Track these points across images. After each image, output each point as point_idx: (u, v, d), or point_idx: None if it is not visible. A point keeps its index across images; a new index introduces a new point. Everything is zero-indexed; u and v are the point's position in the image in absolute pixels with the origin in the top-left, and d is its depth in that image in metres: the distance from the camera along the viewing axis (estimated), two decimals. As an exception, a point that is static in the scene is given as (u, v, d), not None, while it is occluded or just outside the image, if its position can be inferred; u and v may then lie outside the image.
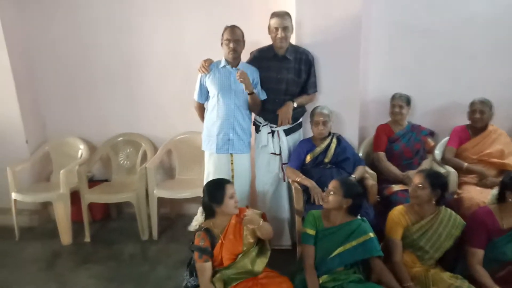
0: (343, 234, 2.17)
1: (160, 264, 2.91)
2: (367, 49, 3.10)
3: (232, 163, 2.77)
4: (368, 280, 2.21)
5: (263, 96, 2.82)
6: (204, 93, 2.81)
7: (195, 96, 2.84)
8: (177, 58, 3.40)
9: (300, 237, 2.31)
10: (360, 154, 3.10)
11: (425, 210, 2.25)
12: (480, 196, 2.64)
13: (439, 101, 3.22)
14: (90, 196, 3.25)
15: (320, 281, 2.12)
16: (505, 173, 2.77)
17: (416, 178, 2.25)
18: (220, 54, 2.76)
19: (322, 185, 2.65)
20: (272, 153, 2.89)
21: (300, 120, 2.97)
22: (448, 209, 2.26)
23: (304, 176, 2.73)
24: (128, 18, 3.42)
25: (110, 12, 3.42)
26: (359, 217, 2.27)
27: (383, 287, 2.08)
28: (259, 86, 2.79)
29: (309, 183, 2.66)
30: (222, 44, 2.70)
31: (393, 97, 2.99)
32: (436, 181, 2.22)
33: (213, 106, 2.75)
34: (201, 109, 2.89)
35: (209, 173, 2.81)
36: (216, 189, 2.17)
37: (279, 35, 2.65)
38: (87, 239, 3.28)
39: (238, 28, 2.68)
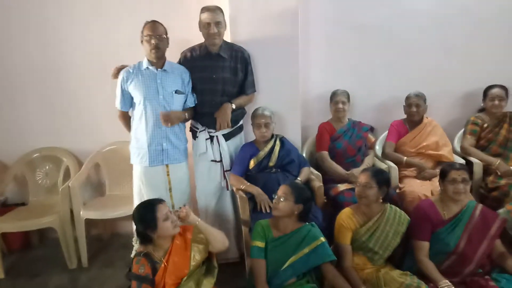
0: (294, 242, 2.06)
1: (93, 294, 2.57)
2: (306, 46, 3.02)
3: (168, 175, 2.52)
4: (322, 287, 2.12)
5: (191, 101, 2.60)
6: (128, 100, 2.51)
7: (117, 104, 2.53)
8: (102, 61, 2.99)
9: (249, 251, 2.14)
10: (304, 155, 3.01)
11: (372, 209, 2.21)
12: (421, 188, 2.69)
13: (377, 96, 3.25)
14: (2, 225, 2.77)
15: None
16: (442, 165, 2.89)
17: (361, 177, 2.20)
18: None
19: (268, 191, 2.51)
20: (213, 161, 2.69)
21: (241, 123, 2.80)
22: (393, 206, 2.25)
23: (248, 183, 2.57)
24: (44, 16, 2.99)
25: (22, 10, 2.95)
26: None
27: None
28: (189, 89, 2.57)
29: (255, 190, 2.51)
30: (142, 41, 2.42)
31: (335, 94, 2.94)
32: (382, 179, 2.20)
33: (140, 114, 2.46)
34: (126, 118, 2.59)
35: (141, 190, 2.53)
36: (146, 214, 1.91)
37: (211, 31, 2.45)
38: (1, 275, 2.80)
39: (160, 23, 2.42)
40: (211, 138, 2.66)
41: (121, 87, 2.47)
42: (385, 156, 3.02)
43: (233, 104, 2.60)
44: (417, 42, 3.16)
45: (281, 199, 2.08)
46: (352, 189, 2.71)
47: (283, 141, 2.72)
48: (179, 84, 2.50)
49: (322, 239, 2.08)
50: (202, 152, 2.68)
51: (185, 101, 2.57)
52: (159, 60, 2.44)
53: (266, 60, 2.74)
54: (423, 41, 3.17)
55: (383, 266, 2.22)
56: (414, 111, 2.93)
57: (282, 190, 2.11)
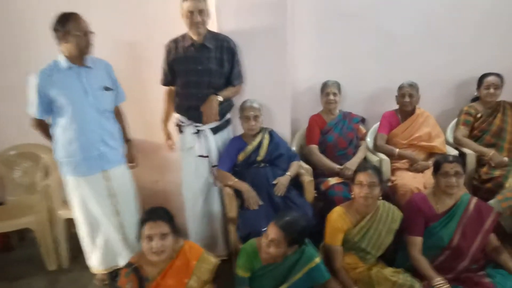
0: (286, 267, 1.93)
1: (74, 297, 2.46)
2: (295, 36, 2.89)
3: (109, 180, 2.30)
4: None
5: (122, 96, 2.43)
6: (47, 106, 2.17)
7: (33, 112, 2.19)
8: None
9: (236, 250, 2.03)
10: (294, 148, 2.91)
11: (370, 207, 2.12)
12: (413, 181, 2.63)
13: (369, 87, 3.15)
14: (-23, 227, 2.63)
15: None
16: (436, 156, 2.82)
17: (364, 177, 2.07)
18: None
19: (257, 186, 2.44)
20: (200, 156, 2.56)
21: (228, 116, 2.68)
22: (386, 203, 2.18)
23: (236, 179, 2.46)
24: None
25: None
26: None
27: None
28: (117, 83, 2.39)
29: (243, 186, 2.41)
30: (60, 39, 2.11)
31: (326, 85, 2.83)
32: (380, 175, 2.13)
33: (67, 120, 2.17)
34: (44, 126, 2.27)
35: (84, 201, 2.33)
36: (140, 223, 1.79)
37: (195, 20, 2.31)
38: (-22, 279, 2.67)
39: (79, 15, 2.13)
40: (198, 132, 2.54)
41: (38, 92, 2.13)
42: (376, 148, 2.94)
43: (219, 97, 2.48)
44: (409, 31, 3.05)
45: (272, 245, 1.84)
46: (343, 183, 2.63)
47: (272, 134, 2.61)
48: (106, 79, 2.28)
49: (317, 260, 1.92)
50: (189, 147, 2.56)
51: (115, 97, 2.37)
52: (82, 56, 2.16)
53: (253, 51, 2.60)
54: (415, 31, 3.06)
55: (374, 264, 2.16)
56: (407, 101, 2.85)
57: (273, 233, 1.83)
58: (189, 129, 2.54)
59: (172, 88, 2.58)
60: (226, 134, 2.67)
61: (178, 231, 1.85)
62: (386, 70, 3.09)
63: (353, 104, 3.04)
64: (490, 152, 2.77)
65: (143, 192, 2.64)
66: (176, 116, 2.61)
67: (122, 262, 2.40)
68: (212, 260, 1.86)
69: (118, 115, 2.47)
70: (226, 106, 2.59)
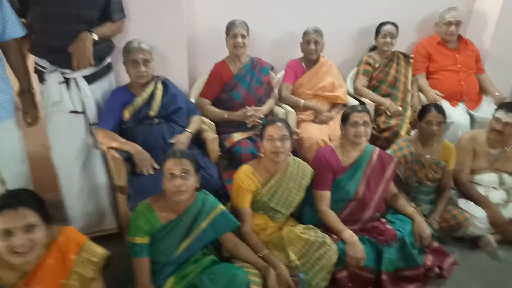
0: (189, 220, 1.68)
1: None
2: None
3: None
4: (221, 255, 1.85)
5: (16, 29, 1.82)
6: None
7: None
8: None
9: (127, 223, 1.68)
10: (193, 101, 2.53)
11: (280, 164, 1.96)
12: (319, 133, 2.57)
13: (273, 32, 2.87)
14: None
15: None
16: (338, 107, 2.78)
17: (275, 130, 1.88)
18: None
19: (151, 147, 2.06)
20: (72, 112, 2.03)
21: (108, 60, 2.16)
22: (296, 159, 2.07)
23: (124, 140, 2.04)
24: None
25: None
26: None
27: (242, 264, 1.76)
28: (7, 9, 1.77)
29: (132, 148, 2.01)
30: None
31: (233, 25, 2.45)
32: (289, 128, 1.96)
33: None
34: None
35: None
36: None
37: None
38: None
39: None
40: (67, 81, 2.00)
41: None
42: (282, 99, 2.75)
43: (94, 34, 1.95)
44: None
45: (185, 179, 1.60)
46: (250, 138, 2.41)
47: (166, 84, 2.20)
48: None
49: (221, 207, 1.74)
50: (56, 101, 2.00)
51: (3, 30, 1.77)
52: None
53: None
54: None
55: (285, 222, 2.06)
56: (313, 48, 2.68)
57: (181, 166, 1.60)
58: (54, 77, 1.97)
59: (23, 20, 1.93)
60: (107, 84, 2.18)
61: (50, 219, 1.39)
62: (290, 14, 2.84)
63: (257, 51, 2.73)
64: (387, 101, 2.83)
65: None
66: (33, 59, 2.00)
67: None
68: (99, 252, 1.46)
69: (12, 54, 1.84)
70: (104, 48, 2.08)
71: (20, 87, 1.94)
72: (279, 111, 2.65)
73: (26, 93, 1.95)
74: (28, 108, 1.97)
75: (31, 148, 2.11)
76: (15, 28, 1.80)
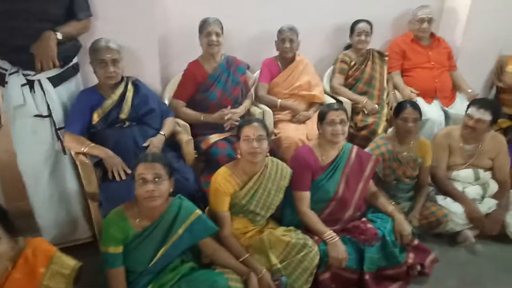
0: (165, 227, 1.61)
1: None
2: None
3: None
4: (200, 261, 1.78)
5: None
6: None
7: None
8: None
9: (100, 230, 1.59)
10: (166, 102, 2.43)
11: (258, 165, 1.91)
12: (297, 133, 2.54)
13: (247, 31, 2.81)
14: None
15: None
16: (315, 106, 2.75)
17: (251, 130, 1.83)
18: None
19: (123, 151, 1.98)
20: (37, 116, 1.92)
21: (75, 60, 2.06)
22: (274, 159, 2.02)
23: (92, 144, 1.94)
24: None
25: None
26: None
27: (220, 270, 1.69)
28: None
29: (102, 152, 1.92)
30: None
31: (206, 23, 2.36)
32: (266, 128, 1.91)
33: None
34: None
35: None
36: None
37: None
38: None
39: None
40: (30, 83, 1.88)
41: None
42: (258, 99, 2.70)
43: (58, 33, 1.85)
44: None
45: (158, 183, 1.54)
46: (226, 140, 2.35)
47: (137, 84, 2.11)
48: None
49: (198, 211, 1.68)
50: (18, 104, 1.88)
51: None
52: None
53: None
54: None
55: (265, 225, 2.02)
56: (288, 47, 2.64)
57: (153, 170, 1.55)
58: (16, 80, 1.85)
59: None
60: (73, 86, 2.08)
61: (14, 230, 1.30)
62: (264, 12, 2.79)
63: (231, 50, 2.67)
64: (364, 99, 2.83)
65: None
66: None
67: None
68: (69, 263, 1.39)
69: None
70: (70, 47, 1.98)
71: None
72: (256, 111, 2.59)
73: None
74: None
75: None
76: None
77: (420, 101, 2.81)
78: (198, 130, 2.38)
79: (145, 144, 2.01)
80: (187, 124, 2.32)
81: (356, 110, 2.85)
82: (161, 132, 2.09)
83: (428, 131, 2.79)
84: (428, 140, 2.42)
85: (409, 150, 2.33)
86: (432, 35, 3.10)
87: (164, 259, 1.60)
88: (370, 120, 2.76)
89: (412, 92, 2.93)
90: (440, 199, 2.35)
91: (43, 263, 1.33)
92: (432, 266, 2.08)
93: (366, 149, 2.31)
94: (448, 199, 2.33)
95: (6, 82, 1.86)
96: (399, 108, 2.32)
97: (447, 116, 2.95)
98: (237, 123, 2.34)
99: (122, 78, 2.05)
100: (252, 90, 2.69)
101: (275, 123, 2.66)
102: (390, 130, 2.67)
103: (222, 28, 2.40)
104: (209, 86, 2.43)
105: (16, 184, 2.05)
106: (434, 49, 3.07)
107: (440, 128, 2.74)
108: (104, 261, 1.54)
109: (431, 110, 2.88)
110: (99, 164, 1.93)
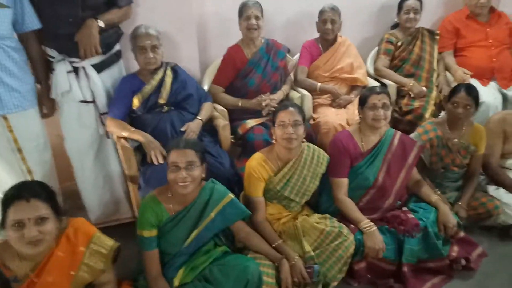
0: (197, 210, 1.64)
1: None
2: None
3: (11, 131, 1.82)
4: (234, 246, 1.81)
5: (32, 20, 1.84)
6: None
7: None
8: None
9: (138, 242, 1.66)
10: (205, 87, 2.45)
11: (293, 151, 1.88)
12: (336, 118, 2.46)
13: (286, 12, 2.73)
14: None
15: (177, 283, 1.59)
16: (358, 89, 2.64)
17: (287, 115, 1.80)
18: None
19: (161, 135, 2.02)
20: (82, 101, 2.01)
21: (117, 47, 2.12)
22: (311, 145, 1.97)
23: (133, 128, 2.00)
24: None
25: None
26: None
27: (253, 255, 1.71)
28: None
29: (142, 137, 1.97)
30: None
31: (245, 6, 2.31)
32: (303, 113, 1.87)
33: None
34: None
35: None
36: (3, 203, 1.30)
37: None
38: None
39: None
40: (76, 70, 1.97)
41: None
42: (298, 83, 2.63)
43: (100, 21, 1.91)
44: None
45: (190, 170, 1.56)
46: (263, 124, 2.33)
47: (176, 70, 2.14)
48: None
49: (230, 195, 1.69)
50: (65, 90, 1.97)
51: (17, 18, 1.77)
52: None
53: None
54: None
55: (300, 211, 1.99)
56: (329, 28, 2.53)
57: (185, 157, 1.56)
58: (62, 67, 1.94)
59: None
60: (116, 72, 2.14)
61: (60, 210, 1.40)
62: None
63: (270, 32, 2.62)
64: (410, 82, 2.66)
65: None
66: (42, 48, 1.98)
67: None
68: (108, 243, 1.46)
69: (30, 45, 1.88)
70: (112, 35, 2.04)
71: (36, 78, 1.95)
72: (294, 95, 2.54)
73: (42, 84, 1.96)
74: (43, 99, 1.99)
75: (49, 139, 2.13)
76: (32, 20, 1.83)
77: (475, 83, 2.59)
78: (236, 115, 2.39)
79: (182, 129, 2.05)
80: (225, 109, 2.33)
81: (401, 93, 2.70)
82: (199, 117, 2.12)
83: (482, 116, 2.56)
84: (482, 125, 2.24)
85: (461, 136, 2.17)
86: (491, 9, 2.83)
87: (197, 241, 1.64)
88: (416, 104, 2.59)
89: (465, 73, 2.71)
90: (492, 189, 2.19)
91: (84, 242, 1.41)
92: (479, 260, 1.96)
93: (413, 135, 2.19)
94: (501, 190, 2.16)
95: (54, 69, 1.97)
96: (453, 91, 2.16)
97: (505, 99, 2.71)
98: (274, 109, 2.32)
99: (162, 64, 2.09)
100: (292, 74, 2.63)
101: (314, 108, 2.59)
102: (441, 114, 2.49)
103: (262, 11, 2.34)
104: (248, 72, 2.40)
105: (66, 166, 2.19)
106: (493, 25, 2.80)
107: (495, 112, 2.52)
108: (140, 243, 1.61)
109: (487, 93, 2.65)
110: (139, 148, 2.00)
